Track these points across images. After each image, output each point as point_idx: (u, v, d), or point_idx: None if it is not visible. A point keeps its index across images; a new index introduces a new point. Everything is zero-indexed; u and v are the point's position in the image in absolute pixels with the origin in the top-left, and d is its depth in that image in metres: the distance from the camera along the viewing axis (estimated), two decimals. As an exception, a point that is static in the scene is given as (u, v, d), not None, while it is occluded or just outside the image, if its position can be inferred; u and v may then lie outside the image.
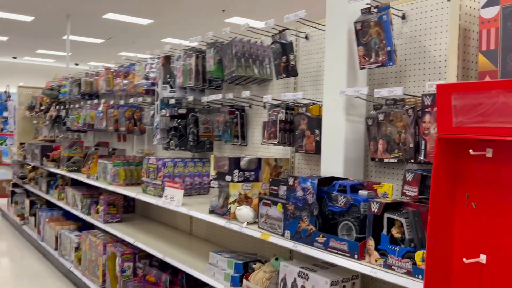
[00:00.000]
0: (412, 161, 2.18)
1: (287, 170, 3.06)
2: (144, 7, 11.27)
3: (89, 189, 5.20)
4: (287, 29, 2.86)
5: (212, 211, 2.94)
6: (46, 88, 6.92)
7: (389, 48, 2.27)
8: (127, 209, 5.11)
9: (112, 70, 5.16)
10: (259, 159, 2.92)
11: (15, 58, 19.94)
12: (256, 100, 3.30)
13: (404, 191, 2.13)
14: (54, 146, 6.33)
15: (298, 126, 2.75)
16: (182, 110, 3.76)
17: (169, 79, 3.97)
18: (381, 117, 2.31)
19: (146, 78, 4.22)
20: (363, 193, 2.13)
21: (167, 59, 3.99)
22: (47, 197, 6.20)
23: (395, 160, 2.25)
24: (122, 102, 4.83)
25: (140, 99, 4.48)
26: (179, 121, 3.80)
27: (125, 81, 4.75)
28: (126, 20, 12.73)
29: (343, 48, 2.49)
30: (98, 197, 4.72)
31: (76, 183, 5.59)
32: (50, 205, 6.36)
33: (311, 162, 2.97)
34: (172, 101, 3.87)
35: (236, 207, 2.76)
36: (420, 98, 2.18)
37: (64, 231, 5.34)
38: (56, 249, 5.49)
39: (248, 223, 2.69)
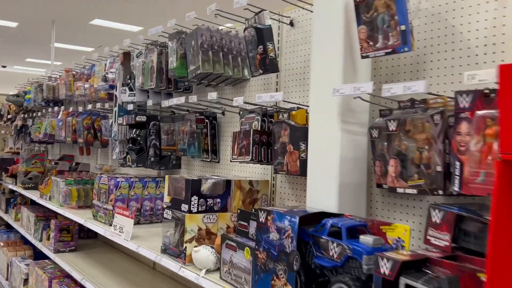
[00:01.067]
0: (441, 192, 1.45)
1: (266, 196, 2.34)
2: (134, 13, 10.64)
3: (45, 210, 4.47)
4: (265, 10, 2.16)
5: (164, 251, 2.21)
6: (11, 95, 6.21)
7: (403, 27, 1.56)
8: (88, 234, 4.37)
9: (73, 73, 4.47)
10: (228, 182, 2.20)
11: (4, 67, 19.33)
12: (229, 105, 2.60)
13: (428, 237, 1.41)
14: (15, 160, 5.61)
15: (278, 139, 2.04)
16: (141, 118, 3.04)
17: (128, 81, 3.27)
18: (392, 126, 1.60)
19: (105, 79, 3.52)
20: (366, 239, 1.41)
21: (127, 56, 3.30)
22: (5, 216, 5.46)
23: (414, 191, 1.52)
24: (81, 109, 4.11)
25: (98, 105, 3.76)
26: (137, 131, 3.09)
27: (86, 85, 4.05)
28: (114, 27, 12.10)
29: (337, 30, 1.78)
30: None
31: (35, 203, 4.85)
32: (11, 226, 5.62)
33: (297, 185, 2.25)
34: (131, 107, 3.17)
35: (193, 248, 2.03)
36: (451, 99, 1.47)
37: (16, 258, 4.59)
38: (7, 279, 4.74)
39: (208, 271, 1.96)
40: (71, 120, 4.18)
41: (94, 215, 3.14)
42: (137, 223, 2.95)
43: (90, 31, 12.55)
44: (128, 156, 3.07)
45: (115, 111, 3.40)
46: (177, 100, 2.60)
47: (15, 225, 4.96)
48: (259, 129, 2.12)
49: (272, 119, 2.16)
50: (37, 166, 4.93)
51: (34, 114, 5.73)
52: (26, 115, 6.09)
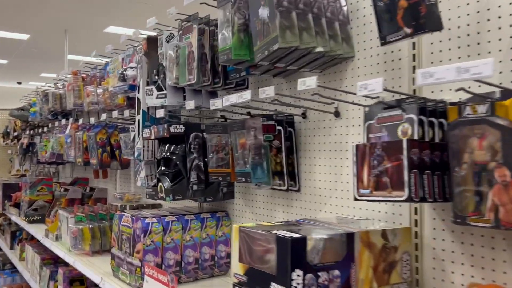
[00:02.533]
0: None
1: (408, 255, 1.34)
2: (149, 16, 9.79)
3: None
4: None
5: None
6: (15, 109, 5.35)
7: None
8: (108, 280, 3.41)
9: (83, 75, 3.55)
10: (350, 237, 1.21)
11: (19, 83, 18.79)
12: (321, 99, 1.63)
13: None
14: (19, 184, 4.71)
15: (464, 155, 1.04)
16: (177, 129, 2.08)
17: (156, 77, 2.32)
18: None
19: (123, 78, 2.58)
20: None
21: (152, 43, 2.35)
22: (10, 254, 4.56)
23: None
24: (93, 120, 3.18)
25: (115, 114, 2.82)
26: (172, 148, 2.13)
27: (99, 90, 3.12)
28: (128, 34, 11.27)
29: None
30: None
31: (41, 238, 3.93)
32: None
33: (480, 240, 1.25)
34: (162, 113, 2.21)
35: None
36: None
37: (19, 311, 3.67)
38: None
39: None
40: (81, 135, 3.25)
41: (114, 270, 2.18)
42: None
43: (105, 39, 11.78)
44: (160, 184, 2.11)
45: (138, 120, 2.45)
46: (237, 98, 1.63)
47: (19, 266, 4.05)
48: (416, 137, 1.13)
49: (436, 119, 1.16)
50: (43, 194, 4.02)
51: (41, 130, 4.84)
52: (33, 132, 5.22)
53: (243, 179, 1.81)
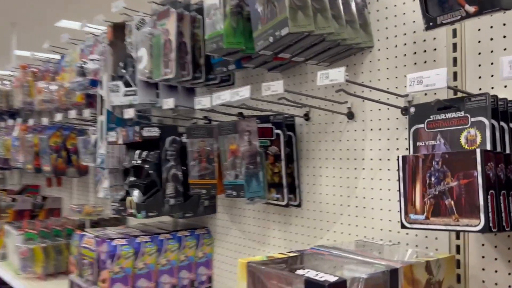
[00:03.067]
0: None
1: (452, 289, 1.09)
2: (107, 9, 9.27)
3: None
4: None
5: None
6: (-46, 107, 4.78)
7: None
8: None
9: (34, 70, 3.13)
10: (394, 274, 0.94)
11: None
12: (333, 98, 1.36)
13: None
14: (-41, 193, 4.18)
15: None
16: (151, 132, 1.75)
17: (123, 71, 1.98)
18: None
19: (82, 73, 2.21)
20: None
21: (119, 31, 2.01)
22: None
23: None
24: (45, 121, 2.77)
25: (73, 113, 2.44)
26: (144, 154, 1.80)
27: (53, 86, 2.73)
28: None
29: None
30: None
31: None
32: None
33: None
34: (131, 114, 1.87)
35: None
36: None
37: None
38: None
39: None
40: (31, 138, 2.84)
41: (73, 301, 1.83)
42: (152, 320, 1.66)
43: (57, 34, 11.09)
44: (129, 197, 1.77)
45: (101, 121, 2.10)
46: (234, 95, 1.32)
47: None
48: (489, 147, 0.87)
49: (504, 124, 0.91)
50: (-14, 204, 3.54)
51: (-15, 131, 4.33)
52: (-25, 133, 4.68)
53: (234, 193, 1.51)
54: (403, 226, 0.95)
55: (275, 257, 1.05)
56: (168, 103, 1.64)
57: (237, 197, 1.51)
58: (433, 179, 0.87)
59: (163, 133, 1.76)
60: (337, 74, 1.07)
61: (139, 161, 1.80)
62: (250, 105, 1.52)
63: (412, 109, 1.00)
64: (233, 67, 1.61)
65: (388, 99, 1.27)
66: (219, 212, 1.92)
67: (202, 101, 1.46)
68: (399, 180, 0.94)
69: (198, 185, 1.67)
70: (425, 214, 0.89)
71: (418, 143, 0.96)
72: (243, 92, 1.29)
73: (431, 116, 0.95)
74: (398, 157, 0.95)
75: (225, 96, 1.36)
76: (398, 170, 0.94)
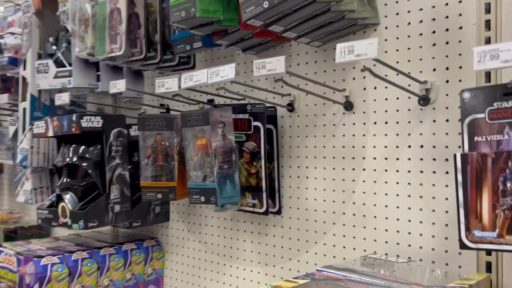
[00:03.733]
0: None
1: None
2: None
3: None
4: None
5: None
6: None
7: None
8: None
9: None
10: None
11: None
12: (325, 83, 1.13)
13: None
14: None
15: None
16: (92, 122, 1.41)
17: (54, 47, 1.61)
18: None
19: (-1, 50, 1.80)
20: None
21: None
22: None
23: None
24: None
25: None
26: (81, 149, 1.45)
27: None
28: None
29: None
30: None
31: None
32: None
33: None
34: (65, 99, 1.51)
35: None
36: None
37: None
38: None
39: None
40: None
41: (-16, 335, 1.44)
42: None
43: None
44: (62, 203, 1.42)
45: (24, 109, 1.71)
46: (213, 76, 1.04)
47: None
48: None
49: None
50: None
51: None
52: None
53: (202, 198, 1.23)
54: (463, 246, 0.74)
55: (283, 287, 0.79)
56: (118, 85, 1.32)
57: (206, 203, 1.22)
58: (509, 185, 0.67)
59: (106, 124, 1.43)
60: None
61: (74, 159, 1.46)
62: (214, 92, 1.24)
63: (467, 95, 0.78)
64: (199, 45, 1.32)
65: (409, 85, 1.06)
66: (173, 220, 1.61)
67: (167, 84, 1.16)
68: (457, 185, 0.73)
69: (152, 188, 1.37)
70: (497, 230, 0.68)
71: (476, 138, 0.75)
72: (226, 72, 1.01)
73: (495, 104, 0.75)
74: (455, 155, 0.74)
75: (199, 76, 1.07)
76: (456, 172, 0.73)
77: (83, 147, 1.45)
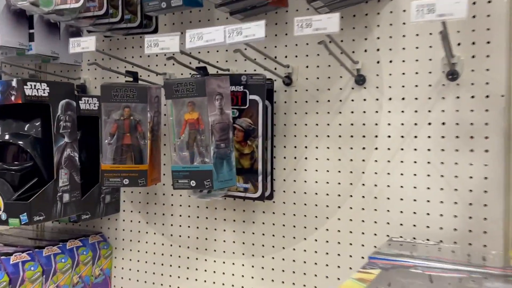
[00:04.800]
0: None
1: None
2: None
3: None
4: None
5: None
6: None
7: None
8: None
9: None
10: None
11: None
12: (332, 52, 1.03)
13: None
14: None
15: None
16: (37, 90, 1.12)
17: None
18: None
19: None
20: None
21: None
22: None
23: None
24: None
25: None
26: (16, 125, 1.15)
27: None
28: None
29: None
30: None
31: None
32: None
33: None
34: (-12, 61, 1.19)
35: None
36: None
37: None
38: None
39: None
40: None
41: None
42: None
43: None
44: (-8, 193, 1.11)
45: None
46: (231, 35, 0.86)
47: None
48: None
49: None
50: None
51: None
52: None
53: (192, 183, 1.04)
54: None
55: (365, 279, 0.68)
56: (85, 44, 1.04)
57: (198, 187, 1.04)
58: None
59: (53, 93, 1.15)
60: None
61: (7, 137, 1.15)
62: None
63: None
64: (178, 3, 1.12)
65: (430, 59, 1.01)
66: (125, 211, 1.38)
67: (163, 42, 0.94)
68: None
69: (116, 172, 1.13)
70: None
71: None
72: (251, 30, 0.85)
73: None
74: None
75: (212, 35, 0.89)
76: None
77: (19, 121, 1.15)
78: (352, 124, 1.09)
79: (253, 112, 1.10)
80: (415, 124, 1.03)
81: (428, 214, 1.02)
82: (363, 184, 1.08)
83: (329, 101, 1.11)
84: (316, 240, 1.13)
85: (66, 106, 1.17)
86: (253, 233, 1.20)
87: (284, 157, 1.16)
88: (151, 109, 1.13)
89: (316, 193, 1.13)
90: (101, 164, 1.13)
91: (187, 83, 1.03)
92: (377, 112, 1.07)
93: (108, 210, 1.33)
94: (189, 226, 1.28)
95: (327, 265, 1.12)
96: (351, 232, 1.09)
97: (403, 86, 1.04)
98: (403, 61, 1.04)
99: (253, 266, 1.20)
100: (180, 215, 1.29)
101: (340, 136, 1.10)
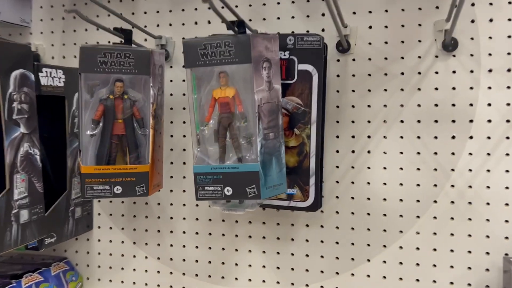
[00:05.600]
0: None
1: None
2: None
3: None
4: None
5: None
6: None
7: None
8: None
9: None
10: None
11: None
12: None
13: None
14: None
15: None
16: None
17: None
18: None
19: None
20: None
21: None
22: None
23: None
24: None
25: None
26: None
27: None
28: None
29: None
30: None
31: None
32: None
33: None
34: None
35: None
36: None
37: None
38: None
39: None
40: None
41: None
42: None
43: None
44: None
45: None
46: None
47: None
48: None
49: None
50: None
51: None
52: None
53: (228, 191, 0.71)
54: None
55: None
56: None
57: (238, 197, 0.71)
58: None
59: (2, 61, 0.76)
60: None
61: None
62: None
63: None
64: None
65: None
66: (100, 228, 1.01)
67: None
68: None
69: (105, 176, 0.77)
70: None
71: None
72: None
73: None
74: None
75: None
76: None
77: None
78: (436, 105, 0.81)
79: (304, 88, 0.79)
80: (527, 104, 0.77)
81: (544, 223, 0.77)
82: (452, 186, 0.80)
83: (402, 73, 0.82)
84: (384, 261, 0.84)
85: (20, 79, 0.78)
86: (292, 254, 0.89)
87: (337, 151, 0.86)
88: (154, 83, 0.77)
89: (385, 199, 0.84)
90: (81, 165, 0.76)
91: (222, 43, 0.69)
92: (472, 88, 0.79)
93: (79, 228, 0.95)
94: (197, 247, 0.94)
95: (399, 294, 0.84)
96: (435, 249, 0.82)
97: (508, 54, 0.78)
98: (509, 19, 0.77)
99: (293, 299, 0.89)
100: (184, 232, 0.95)
101: (419, 121, 0.82)
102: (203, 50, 0.70)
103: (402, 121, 0.82)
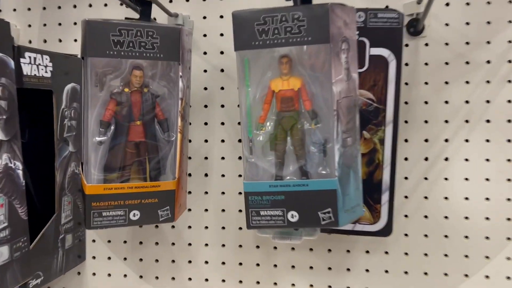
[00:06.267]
0: None
1: None
2: None
3: None
4: None
5: None
6: None
7: None
8: None
9: None
10: None
11: None
12: None
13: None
14: None
15: None
16: None
17: None
18: None
19: None
20: None
21: None
22: None
23: None
24: None
25: None
26: None
27: None
28: None
29: None
30: None
31: None
32: None
33: None
34: None
35: None
36: None
37: None
38: None
39: None
40: None
41: None
42: None
43: None
44: None
45: None
46: None
47: None
48: None
49: None
50: None
51: None
52: None
53: (291, 217, 0.53)
54: None
55: None
56: None
57: (305, 225, 0.53)
58: None
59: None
60: None
61: None
62: None
63: None
64: None
65: None
66: (96, 258, 0.80)
67: None
68: None
69: (117, 198, 0.57)
70: None
71: None
72: None
73: None
74: None
75: None
76: None
77: None
78: (531, 101, 0.65)
79: (378, 78, 0.61)
80: None
81: None
82: (552, 200, 0.65)
83: (488, 62, 0.66)
84: (467, 294, 0.68)
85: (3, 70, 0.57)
86: (349, 288, 0.72)
87: (406, 158, 0.69)
88: (184, 73, 0.58)
89: (467, 218, 0.68)
90: (84, 184, 0.56)
91: (289, 16, 0.51)
92: None
93: (70, 260, 0.74)
94: (223, 280, 0.75)
95: (485, 334, 0.68)
96: (530, 279, 0.67)
97: None
98: None
99: None
100: (207, 262, 0.75)
101: (509, 120, 0.66)
102: (261, 26, 0.51)
103: (488, 121, 0.67)
